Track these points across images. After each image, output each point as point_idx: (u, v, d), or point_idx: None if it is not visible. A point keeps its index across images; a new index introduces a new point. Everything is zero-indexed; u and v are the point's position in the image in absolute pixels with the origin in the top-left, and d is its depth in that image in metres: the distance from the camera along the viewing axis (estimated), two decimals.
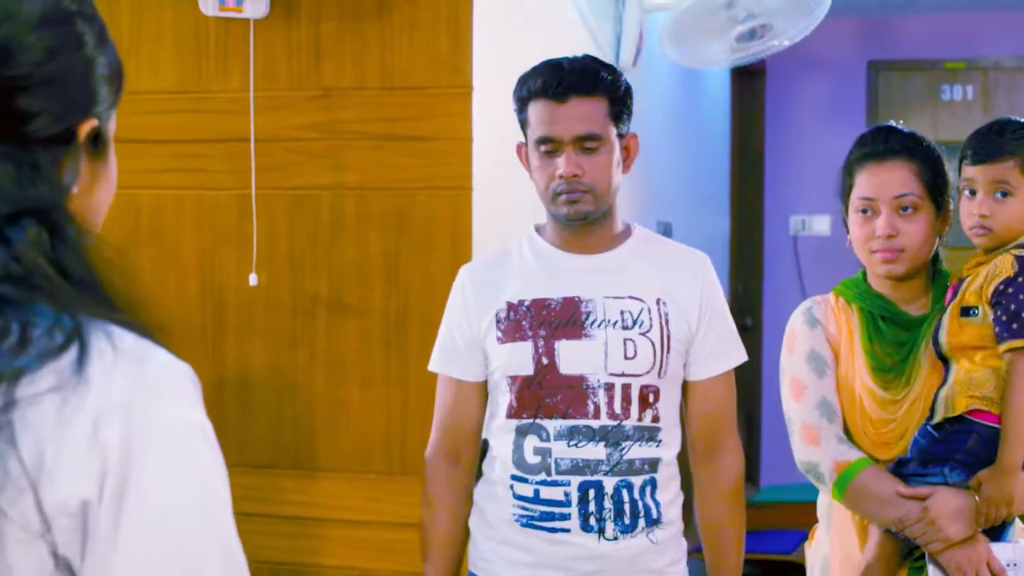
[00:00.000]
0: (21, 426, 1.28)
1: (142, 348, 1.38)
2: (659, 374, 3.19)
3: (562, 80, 3.14)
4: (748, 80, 8.88)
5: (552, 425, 3.17)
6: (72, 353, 1.31)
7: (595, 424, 3.15)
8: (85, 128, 1.46)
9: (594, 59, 3.23)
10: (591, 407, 3.16)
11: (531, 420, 3.19)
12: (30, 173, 1.39)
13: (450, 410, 3.36)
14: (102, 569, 1.30)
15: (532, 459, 3.20)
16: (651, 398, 3.19)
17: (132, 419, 1.32)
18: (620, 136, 3.20)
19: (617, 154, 3.19)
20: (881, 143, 3.27)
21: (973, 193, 3.17)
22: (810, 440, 3.25)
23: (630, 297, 3.20)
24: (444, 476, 3.36)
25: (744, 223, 8.77)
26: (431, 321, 4.01)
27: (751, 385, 8.33)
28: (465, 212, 4.01)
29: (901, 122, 3.37)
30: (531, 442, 3.20)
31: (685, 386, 3.30)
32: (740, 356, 3.35)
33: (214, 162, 4.24)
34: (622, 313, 3.18)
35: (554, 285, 3.22)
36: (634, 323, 3.18)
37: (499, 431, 3.26)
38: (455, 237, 4.03)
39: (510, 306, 3.23)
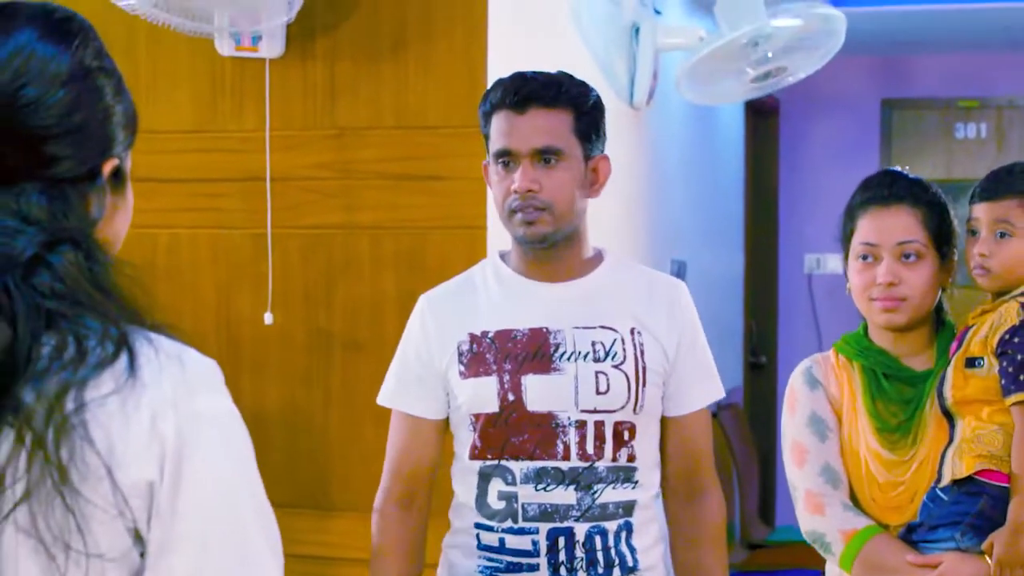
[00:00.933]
0: (93, 425, 1.52)
1: (176, 348, 1.63)
2: (635, 409, 2.96)
3: (520, 89, 2.95)
4: (762, 118, 8.90)
5: (518, 467, 2.93)
6: (123, 359, 1.55)
7: (564, 466, 2.92)
8: (108, 167, 1.68)
9: (565, 74, 3.04)
10: (560, 447, 2.92)
11: (496, 462, 2.96)
12: (62, 207, 1.61)
13: (404, 450, 3.10)
14: (167, 536, 1.56)
15: (497, 504, 2.96)
16: (626, 435, 2.96)
17: (181, 412, 1.57)
18: (588, 157, 2.99)
19: (581, 173, 2.97)
20: (885, 188, 3.15)
21: (975, 233, 3.10)
22: (814, 509, 3.10)
23: (602, 327, 2.98)
24: (396, 526, 3.11)
25: (758, 261, 8.77)
26: None
27: (766, 422, 8.31)
28: (479, 251, 4.01)
29: (907, 168, 3.28)
30: (496, 486, 2.96)
31: (662, 422, 3.07)
32: (719, 391, 3.14)
33: (230, 201, 4.25)
34: (593, 344, 2.95)
35: (520, 315, 2.99)
36: (607, 355, 2.95)
37: (462, 474, 3.04)
38: None
39: (473, 338, 2.99)
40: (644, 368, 2.97)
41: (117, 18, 4.28)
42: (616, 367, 2.95)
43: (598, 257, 3.09)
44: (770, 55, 5.11)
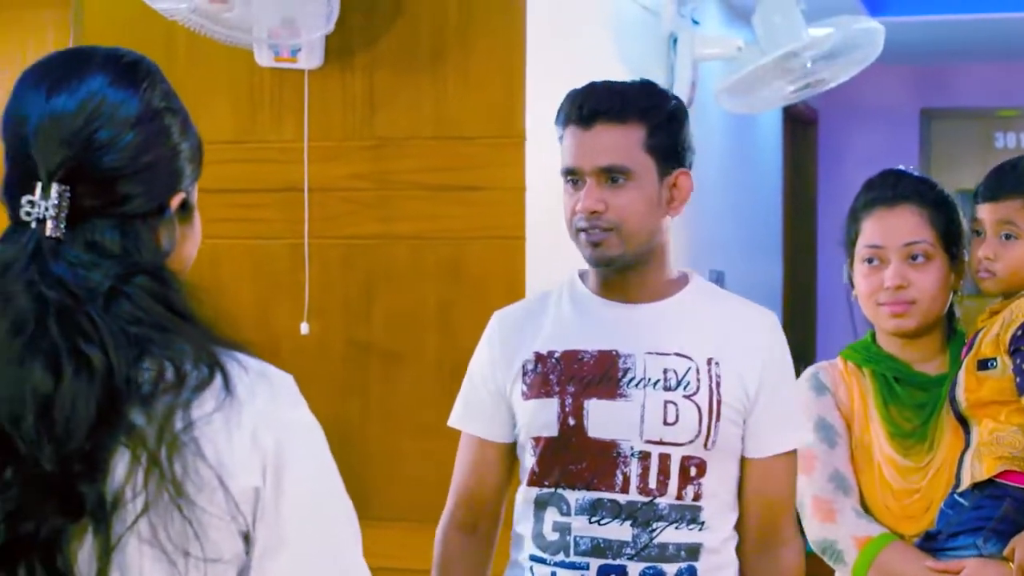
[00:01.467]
0: (203, 440, 1.68)
1: (260, 366, 1.80)
2: (706, 444, 2.71)
3: (586, 103, 2.75)
4: (801, 128, 8.88)
5: (574, 496, 2.72)
6: (218, 379, 1.71)
7: (622, 499, 2.70)
8: (175, 201, 1.82)
9: (643, 83, 2.83)
10: (619, 478, 2.70)
11: (552, 489, 2.75)
12: (134, 241, 1.74)
13: (469, 473, 2.95)
14: (273, 534, 1.73)
15: (551, 536, 2.76)
16: (694, 472, 2.72)
17: (277, 424, 1.75)
18: (664, 173, 2.77)
19: (654, 192, 2.75)
20: (889, 187, 3.04)
21: (979, 234, 2.98)
22: (824, 516, 2.97)
23: (676, 354, 2.75)
24: (457, 551, 2.98)
25: (797, 271, 8.75)
26: None
27: None
28: (519, 262, 4.01)
29: (912, 167, 3.21)
30: (551, 516, 2.76)
31: (741, 464, 2.81)
32: (802, 440, 2.88)
33: (268, 211, 4.26)
34: (665, 372, 2.73)
35: (589, 336, 2.79)
36: (678, 384, 2.72)
37: (521, 502, 2.85)
38: (509, 287, 4.03)
39: (538, 357, 2.81)
40: (719, 401, 2.73)
41: (156, 29, 4.30)
42: (688, 398, 2.72)
43: (682, 280, 2.87)
44: (809, 65, 5.10)
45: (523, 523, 2.82)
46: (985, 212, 2.96)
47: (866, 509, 2.99)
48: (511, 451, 2.90)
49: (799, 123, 8.77)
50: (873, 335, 3.12)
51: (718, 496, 2.76)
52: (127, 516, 1.65)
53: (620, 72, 4.87)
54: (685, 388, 2.72)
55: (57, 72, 1.76)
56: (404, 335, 4.15)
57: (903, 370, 3.03)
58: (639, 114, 2.75)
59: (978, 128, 9.02)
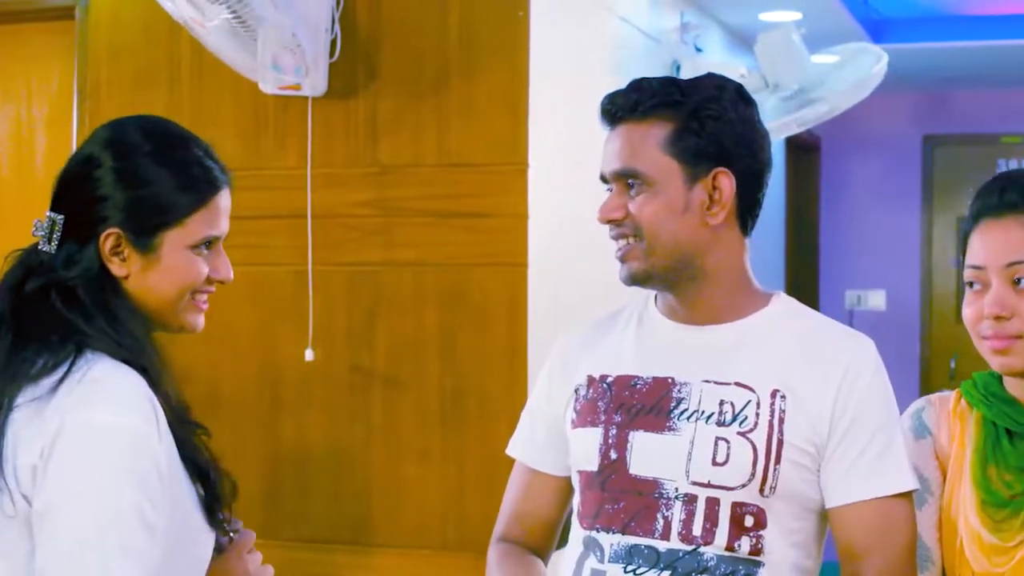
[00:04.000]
0: (15, 419, 2.05)
1: (104, 373, 2.07)
2: (762, 490, 2.31)
3: (611, 99, 2.45)
4: (803, 155, 8.89)
5: (609, 541, 2.38)
6: (60, 374, 2.06)
7: (661, 546, 2.33)
8: (104, 237, 2.16)
9: (678, 78, 2.54)
10: (660, 523, 2.34)
11: (589, 532, 2.42)
12: (69, 261, 2.16)
13: (514, 501, 2.63)
14: (42, 506, 2.01)
15: None
16: (749, 522, 2.32)
17: (68, 419, 2.02)
18: (696, 176, 2.38)
19: (680, 198, 2.37)
20: (995, 195, 2.40)
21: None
22: None
23: (736, 384, 2.37)
24: (507, 549, 2.60)
25: (799, 297, 8.66)
26: (487, 397, 4.03)
27: None
28: (521, 289, 4.02)
29: None
30: (590, 563, 2.41)
31: (829, 516, 2.39)
32: (899, 482, 2.35)
33: (272, 238, 4.27)
34: (721, 404, 2.35)
35: (646, 361, 2.45)
36: (733, 419, 2.34)
37: (572, 543, 2.49)
38: (511, 314, 4.03)
39: (591, 381, 2.48)
40: (780, 441, 2.33)
41: (160, 58, 4.32)
42: (742, 435, 2.34)
43: (763, 300, 2.48)
44: (812, 97, 5.12)
45: (566, 567, 2.48)
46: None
47: None
48: (564, 486, 2.57)
49: (801, 150, 8.78)
50: None
51: (784, 554, 2.35)
52: None
53: None
54: (741, 424, 2.34)
55: None
56: (407, 361, 4.15)
57: (1021, 421, 2.39)
58: (662, 109, 2.40)
59: (981, 155, 9.01)
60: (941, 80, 8.63)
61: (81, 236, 2.16)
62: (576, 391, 2.51)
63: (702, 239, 2.40)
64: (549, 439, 2.56)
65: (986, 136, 8.99)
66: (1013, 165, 8.99)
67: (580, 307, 4.10)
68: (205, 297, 2.36)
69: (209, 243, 2.30)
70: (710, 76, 2.48)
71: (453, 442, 4.10)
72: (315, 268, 4.21)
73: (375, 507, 4.18)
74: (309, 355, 4.18)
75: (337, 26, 4.12)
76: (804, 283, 8.83)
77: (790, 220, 8.66)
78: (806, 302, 2.61)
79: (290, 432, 4.26)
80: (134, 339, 2.15)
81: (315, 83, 4.11)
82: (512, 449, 2.65)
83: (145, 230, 2.18)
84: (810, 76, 5.13)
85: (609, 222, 2.42)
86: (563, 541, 2.56)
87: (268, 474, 4.27)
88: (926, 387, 8.54)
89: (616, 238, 2.42)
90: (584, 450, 2.44)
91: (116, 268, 2.17)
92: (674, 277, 2.42)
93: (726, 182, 2.39)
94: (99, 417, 2.04)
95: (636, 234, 2.39)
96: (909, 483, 2.37)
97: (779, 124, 5.36)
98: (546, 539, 2.61)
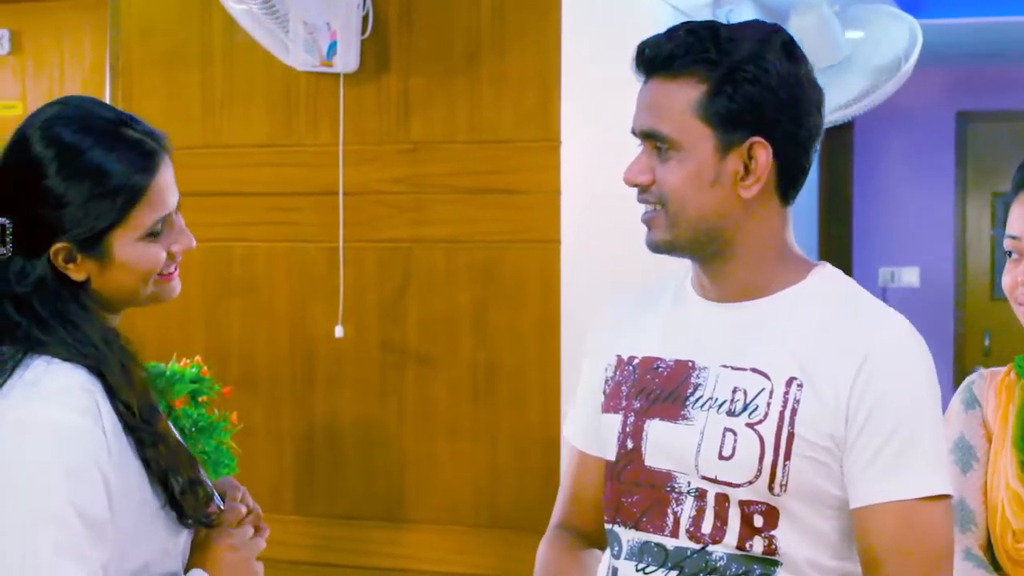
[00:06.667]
0: None
1: (39, 377, 2.06)
2: (771, 487, 2.10)
3: (645, 49, 2.19)
4: (836, 132, 8.84)
5: (625, 537, 2.23)
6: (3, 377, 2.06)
7: (669, 544, 2.17)
8: (54, 253, 2.12)
9: (725, 25, 2.20)
10: (669, 519, 2.18)
11: (610, 526, 2.27)
12: (21, 274, 2.13)
13: (567, 486, 2.46)
14: None
15: None
16: (759, 521, 2.12)
17: (5, 414, 2.02)
18: (729, 144, 2.13)
19: (710, 167, 2.14)
20: None
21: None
22: None
23: (752, 370, 2.15)
24: (554, 543, 2.44)
25: None
26: (519, 374, 4.02)
27: None
28: (553, 265, 4.01)
29: None
30: (609, 559, 2.28)
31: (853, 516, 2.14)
32: (925, 483, 2.08)
33: (303, 215, 4.27)
34: (734, 392, 2.15)
35: (672, 341, 2.25)
36: (744, 408, 2.13)
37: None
38: (543, 290, 4.03)
39: (619, 362, 2.31)
40: (791, 435, 2.10)
41: (193, 35, 4.32)
42: (750, 426, 2.12)
43: (799, 274, 2.24)
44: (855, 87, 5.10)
45: (601, 564, 2.35)
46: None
47: (989, 548, 2.47)
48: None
49: (834, 127, 8.74)
50: None
51: (806, 555, 2.14)
52: None
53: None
54: (750, 414, 2.13)
55: None
56: (438, 338, 4.15)
57: None
58: (694, 67, 2.14)
59: (1015, 131, 8.96)
60: (974, 56, 8.58)
61: (30, 249, 2.12)
62: (606, 370, 2.34)
63: (733, 212, 2.16)
64: (590, 419, 2.36)
65: (1020, 112, 8.94)
66: None
67: (613, 283, 4.09)
68: (172, 267, 2.22)
69: (161, 222, 2.17)
70: (754, 27, 2.19)
71: (485, 419, 4.10)
72: (347, 245, 4.21)
73: (407, 484, 4.19)
74: (340, 332, 4.18)
75: (369, 3, 4.12)
76: (837, 261, 8.73)
77: (823, 197, 8.63)
78: None
79: (322, 409, 4.27)
80: (93, 346, 2.11)
81: (347, 60, 4.10)
82: (564, 427, 2.50)
83: (90, 239, 2.12)
84: (845, 54, 5.09)
85: (634, 185, 2.20)
86: None
87: (301, 451, 4.28)
88: (960, 364, 8.52)
89: (642, 201, 2.20)
90: (606, 437, 2.27)
91: (74, 274, 2.14)
92: (700, 250, 2.20)
93: (762, 153, 2.13)
94: (31, 413, 2.03)
95: (660, 201, 2.17)
96: (937, 486, 2.08)
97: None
98: (601, 522, 2.34)
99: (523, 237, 4.05)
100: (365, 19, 4.12)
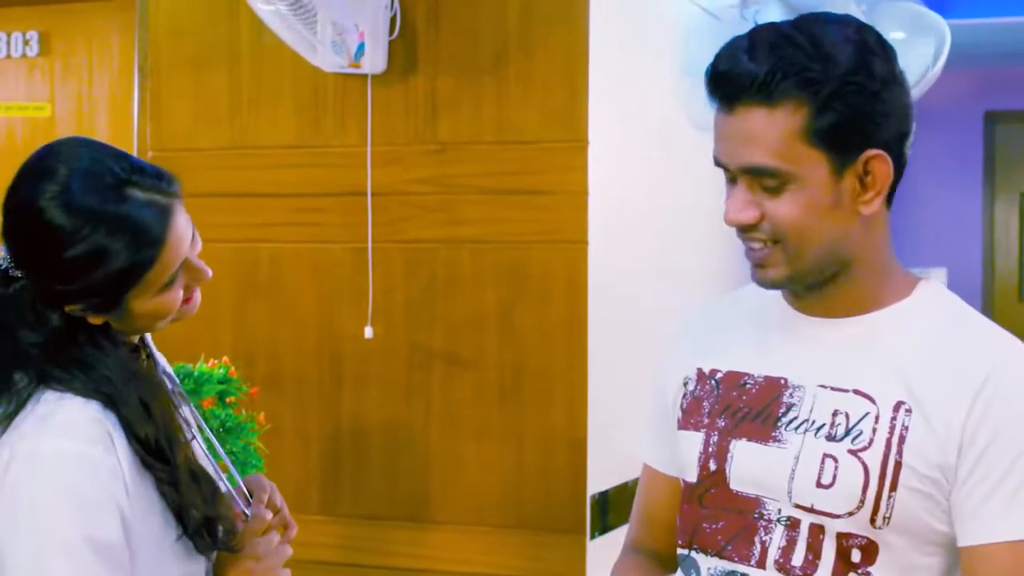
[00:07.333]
0: None
1: (52, 411, 2.05)
2: (873, 520, 1.96)
3: (726, 74, 1.98)
4: None
5: (706, 565, 2.10)
6: (11, 410, 2.06)
7: (755, 574, 2.04)
8: (71, 308, 2.13)
9: (813, 33, 1.97)
10: (756, 549, 2.04)
11: (686, 551, 2.14)
12: (37, 323, 2.12)
13: (643, 503, 2.37)
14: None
15: None
16: (857, 556, 1.98)
17: (16, 449, 2.02)
18: (845, 163, 1.98)
19: (830, 192, 1.98)
20: None
21: None
22: None
23: (855, 392, 2.01)
24: (628, 563, 2.35)
25: None
26: (546, 375, 4.02)
27: None
28: (580, 266, 4.00)
29: None
30: None
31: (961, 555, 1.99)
32: None
33: (331, 216, 4.28)
34: (835, 415, 2.01)
35: (761, 356, 2.12)
36: (846, 433, 1.99)
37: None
38: (570, 291, 4.02)
39: (700, 375, 2.18)
40: (898, 464, 1.96)
41: (220, 36, 4.33)
42: (853, 453, 1.98)
43: (905, 289, 2.11)
44: None
45: None
46: None
47: None
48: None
49: None
50: None
51: None
52: None
53: (681, 77, 4.85)
54: (854, 440, 1.99)
55: None
56: (466, 339, 4.15)
57: None
58: (795, 89, 1.94)
59: None
60: (1003, 56, 8.55)
61: (46, 302, 2.12)
62: (685, 384, 2.21)
63: (853, 231, 2.03)
64: (662, 435, 2.25)
65: None
66: None
67: (640, 285, 4.09)
68: (191, 292, 2.23)
69: (177, 269, 2.16)
70: (837, 25, 2.00)
71: (512, 420, 4.10)
72: (374, 246, 4.21)
73: (433, 484, 4.19)
74: (368, 333, 4.19)
75: (396, 4, 4.12)
76: None
77: None
78: None
79: (349, 409, 4.27)
80: (109, 382, 2.10)
81: (375, 61, 4.11)
82: (636, 443, 2.39)
83: (107, 303, 2.13)
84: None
85: (740, 226, 2.02)
86: None
87: (327, 451, 4.29)
88: None
89: (748, 240, 2.04)
90: (685, 457, 2.15)
91: (91, 320, 2.14)
92: (819, 276, 2.05)
93: (882, 167, 2.01)
94: (43, 444, 2.02)
95: (775, 238, 2.00)
96: None
97: None
98: (674, 543, 2.22)
99: (550, 238, 4.05)
100: (393, 20, 4.12)
